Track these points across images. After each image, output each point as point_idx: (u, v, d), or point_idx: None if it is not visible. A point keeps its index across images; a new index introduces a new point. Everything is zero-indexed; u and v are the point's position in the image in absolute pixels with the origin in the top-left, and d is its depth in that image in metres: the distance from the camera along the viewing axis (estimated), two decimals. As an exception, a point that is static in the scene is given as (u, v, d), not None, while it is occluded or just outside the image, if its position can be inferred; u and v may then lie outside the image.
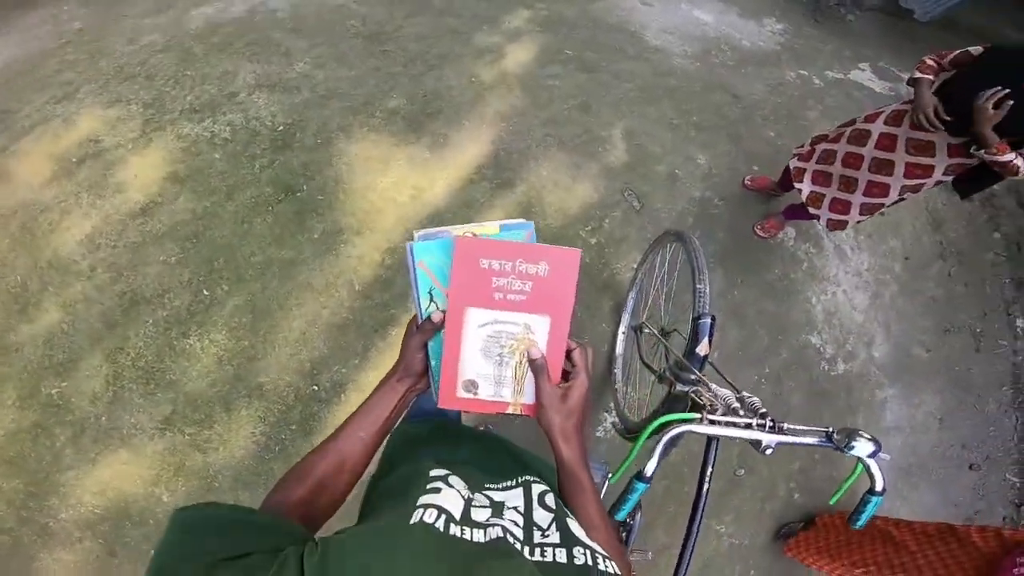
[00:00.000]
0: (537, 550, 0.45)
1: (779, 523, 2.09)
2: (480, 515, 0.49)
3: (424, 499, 0.48)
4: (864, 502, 0.92)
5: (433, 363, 0.62)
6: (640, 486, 0.88)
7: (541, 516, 0.52)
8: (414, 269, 0.59)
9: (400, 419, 0.66)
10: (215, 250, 2.03)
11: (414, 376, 0.63)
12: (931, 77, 1.61)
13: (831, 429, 0.92)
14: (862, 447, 0.88)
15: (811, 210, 2.04)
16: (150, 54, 2.60)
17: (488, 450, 0.76)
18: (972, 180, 1.71)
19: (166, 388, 1.85)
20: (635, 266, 2.15)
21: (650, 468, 0.89)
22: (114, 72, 2.52)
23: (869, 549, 1.71)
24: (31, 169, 2.21)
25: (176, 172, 2.18)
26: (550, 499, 0.55)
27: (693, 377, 1.18)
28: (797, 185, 2.06)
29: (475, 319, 0.59)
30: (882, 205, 1.84)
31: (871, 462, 0.89)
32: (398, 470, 0.66)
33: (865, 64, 3.35)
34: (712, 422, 0.93)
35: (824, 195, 1.98)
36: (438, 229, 0.60)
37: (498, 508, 0.53)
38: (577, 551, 0.45)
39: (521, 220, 0.61)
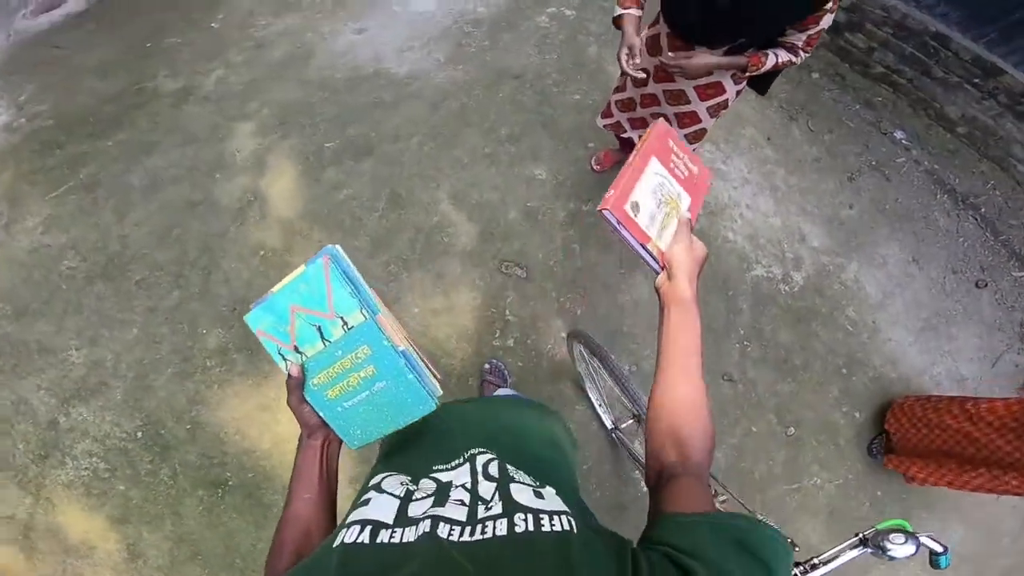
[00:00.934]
0: (478, 527, 0.43)
1: (863, 444, 2.02)
2: (419, 508, 0.48)
3: (352, 516, 0.48)
4: (936, 564, 0.86)
5: (323, 414, 0.63)
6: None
7: (485, 488, 0.51)
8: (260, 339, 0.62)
9: (334, 470, 0.66)
10: (223, 555, 1.85)
11: (316, 429, 0.64)
12: (636, 11, 1.34)
13: (860, 535, 0.86)
14: (900, 549, 0.80)
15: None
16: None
17: (445, 432, 0.73)
18: (761, 78, 1.53)
19: None
20: (564, 335, 1.96)
21: None
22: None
23: (967, 451, 1.63)
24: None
25: (112, 516, 1.86)
26: (493, 468, 0.55)
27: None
28: (623, 135, 1.85)
29: (654, 168, 0.73)
30: (704, 131, 1.66)
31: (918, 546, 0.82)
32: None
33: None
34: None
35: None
36: (265, 295, 0.62)
37: (443, 491, 0.52)
38: (518, 518, 0.43)
39: (321, 249, 0.61)
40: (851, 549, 0.86)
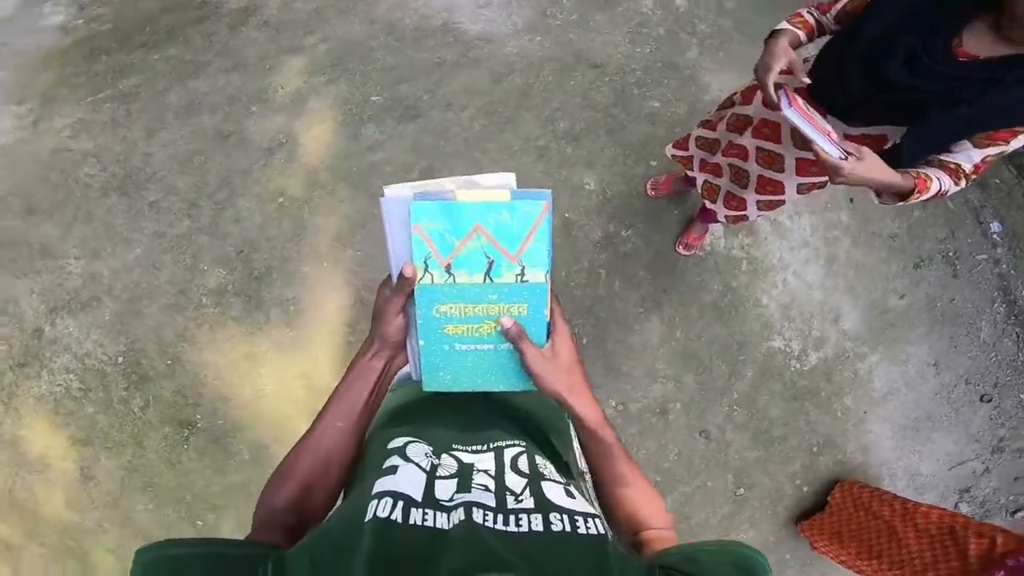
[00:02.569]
0: (512, 518, 0.43)
1: (796, 513, 2.04)
2: (445, 489, 0.47)
3: (380, 484, 0.44)
4: None
5: (423, 341, 0.56)
6: None
7: (514, 480, 0.50)
8: (408, 231, 0.52)
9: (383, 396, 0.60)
10: (175, 490, 1.86)
11: (391, 348, 0.57)
12: (802, 34, 1.10)
13: None
14: None
15: (707, 204, 1.63)
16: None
17: (464, 408, 0.69)
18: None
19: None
20: None
21: None
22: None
23: (876, 540, 1.74)
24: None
25: (74, 436, 1.87)
26: (523, 463, 0.54)
27: None
28: (689, 174, 1.65)
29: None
30: (782, 203, 1.45)
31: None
32: (369, 446, 0.60)
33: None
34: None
35: (719, 187, 1.56)
36: (427, 184, 0.52)
37: (466, 473, 0.51)
38: (554, 517, 0.43)
39: (537, 189, 0.52)
40: None
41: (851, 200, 2.23)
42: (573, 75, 2.28)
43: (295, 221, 1.98)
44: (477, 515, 0.43)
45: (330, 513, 0.48)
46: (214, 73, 2.20)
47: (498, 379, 0.59)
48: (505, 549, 0.39)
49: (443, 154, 2.10)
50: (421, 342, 0.56)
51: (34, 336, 1.89)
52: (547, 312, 0.55)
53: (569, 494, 0.48)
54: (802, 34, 1.10)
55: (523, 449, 0.56)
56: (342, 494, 0.59)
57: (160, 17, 2.37)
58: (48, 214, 1.98)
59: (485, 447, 0.57)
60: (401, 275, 0.52)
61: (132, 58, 2.25)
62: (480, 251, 0.53)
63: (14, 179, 2.05)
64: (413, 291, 0.54)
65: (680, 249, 2.03)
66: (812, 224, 2.18)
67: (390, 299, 0.55)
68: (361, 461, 0.59)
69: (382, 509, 0.41)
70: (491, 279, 0.54)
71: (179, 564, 0.40)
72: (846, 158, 0.87)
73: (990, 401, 2.17)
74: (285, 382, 1.88)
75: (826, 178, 1.24)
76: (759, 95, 1.27)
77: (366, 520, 0.40)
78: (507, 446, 0.57)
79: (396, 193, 0.53)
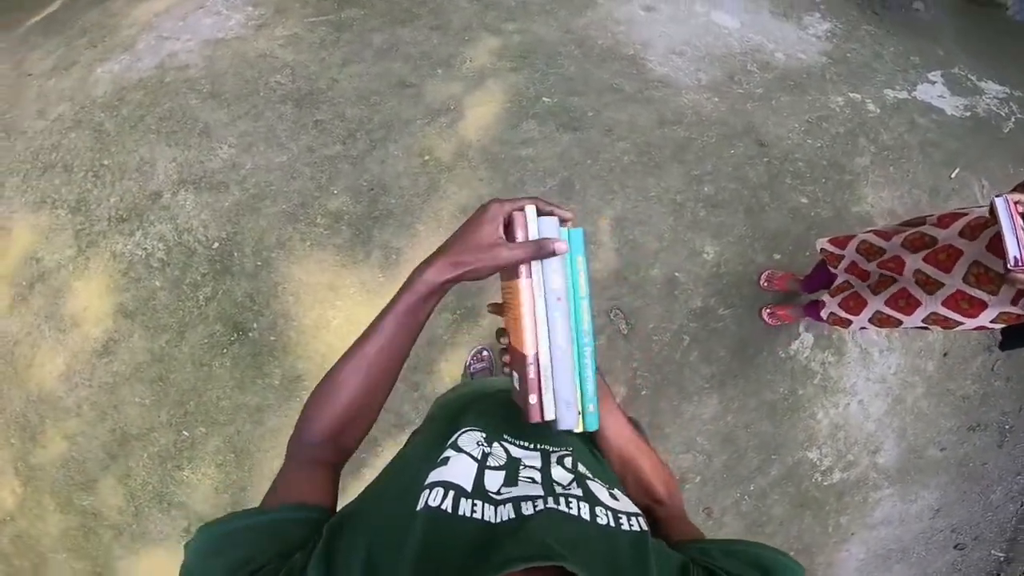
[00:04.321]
0: (562, 500, 0.44)
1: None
2: (493, 481, 0.47)
3: (434, 475, 0.46)
4: None
5: (594, 374, 0.54)
6: None
7: (560, 475, 0.50)
8: (571, 258, 0.52)
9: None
10: (183, 393, 1.93)
11: (460, 281, 0.52)
12: None
13: None
14: None
15: (825, 297, 1.67)
16: (62, 133, 2.22)
17: (510, 410, 0.67)
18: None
19: (178, 507, 1.92)
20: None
21: None
22: (31, 158, 2.19)
23: None
24: (-9, 292, 2.04)
25: (123, 305, 1.98)
26: (568, 462, 0.53)
27: None
28: (833, 270, 1.66)
29: None
30: (900, 323, 1.46)
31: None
32: (425, 434, 0.63)
33: (936, 72, 2.62)
34: None
35: (850, 286, 1.59)
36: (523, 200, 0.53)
37: (513, 467, 0.51)
38: (599, 511, 0.44)
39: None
40: None
41: (945, 355, 2.25)
42: (736, 145, 2.30)
43: (431, 181, 2.12)
44: (526, 508, 0.43)
45: (378, 491, 0.48)
46: (420, 27, 2.34)
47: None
48: (552, 527, 0.40)
49: (585, 173, 2.19)
50: (592, 374, 0.54)
51: (150, 198, 2.03)
52: None
53: (613, 496, 0.49)
54: None
55: (568, 452, 0.56)
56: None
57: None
58: (227, 102, 2.19)
59: (533, 446, 0.57)
60: (549, 242, 0.50)
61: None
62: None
63: (216, 66, 2.27)
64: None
65: (765, 315, 2.09)
66: (898, 364, 2.22)
67: (514, 248, 0.50)
68: (422, 439, 0.61)
69: (433, 498, 0.42)
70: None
71: (230, 540, 0.41)
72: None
73: (962, 550, 2.29)
74: (352, 323, 1.95)
75: (967, 322, 1.28)
76: (959, 224, 1.28)
77: (418, 509, 0.42)
78: (554, 450, 0.57)
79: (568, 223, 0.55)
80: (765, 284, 2.08)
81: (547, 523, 0.41)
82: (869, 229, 1.57)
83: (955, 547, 2.30)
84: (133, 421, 1.91)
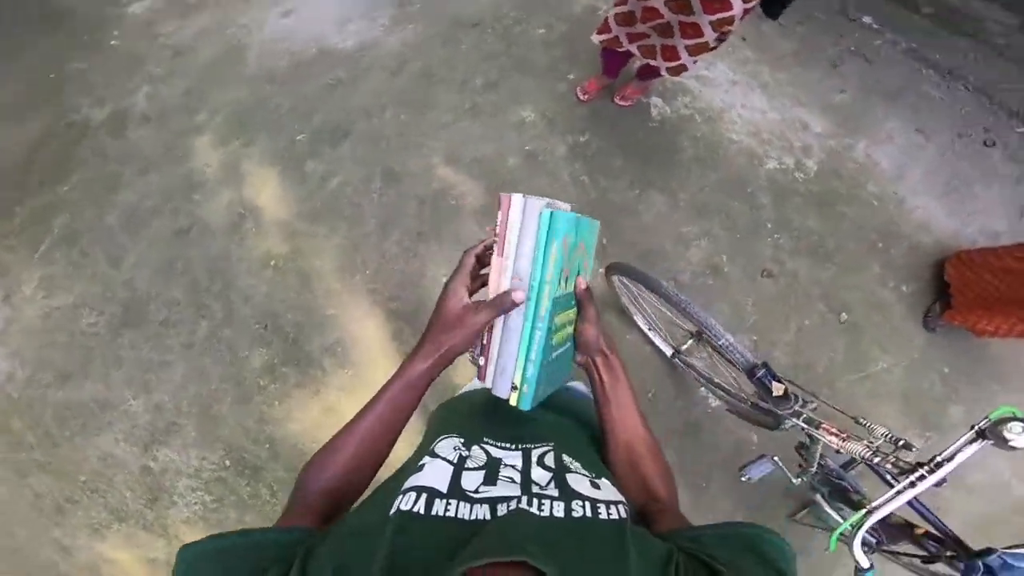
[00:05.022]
0: (535, 500, 0.44)
1: (918, 318, 1.99)
2: (471, 480, 0.48)
3: (409, 481, 0.46)
4: None
5: (540, 354, 0.54)
6: None
7: (539, 475, 0.51)
8: (544, 239, 0.51)
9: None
10: None
11: (450, 360, 0.56)
12: None
13: (976, 428, 0.86)
14: (1021, 439, 0.79)
15: (650, 63, 1.82)
16: None
17: (502, 410, 0.69)
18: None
19: None
20: (601, 271, 1.84)
21: (863, 561, 0.90)
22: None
23: (1020, 289, 1.63)
24: None
25: None
26: (550, 459, 0.54)
27: (795, 412, 1.19)
28: (620, 50, 1.82)
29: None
30: (707, 45, 1.63)
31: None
32: (418, 449, 0.63)
33: None
34: (900, 492, 0.91)
35: (654, 46, 1.75)
36: (542, 199, 0.52)
37: (493, 466, 0.51)
38: (576, 504, 0.44)
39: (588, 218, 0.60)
40: (969, 444, 0.86)
41: (744, 39, 2.43)
42: (459, 39, 2.40)
43: (296, 274, 2.03)
44: (502, 508, 0.43)
45: (359, 507, 0.49)
46: (131, 180, 2.20)
47: (557, 381, 0.61)
48: (520, 524, 0.41)
49: (389, 153, 2.17)
50: (538, 357, 0.54)
51: (144, 474, 1.91)
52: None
53: (595, 485, 0.49)
54: None
55: (550, 448, 0.56)
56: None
57: (35, 154, 2.30)
58: (82, 374, 1.97)
59: (514, 446, 0.58)
60: (507, 295, 0.53)
61: (43, 199, 2.22)
62: (580, 261, 0.57)
63: (31, 356, 2.03)
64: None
65: (618, 100, 2.21)
66: (728, 67, 2.38)
67: (479, 311, 0.53)
68: (402, 467, 0.60)
69: (406, 503, 0.43)
70: (566, 287, 0.57)
71: (222, 555, 0.42)
72: None
73: (994, 144, 2.29)
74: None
75: (732, 12, 1.46)
76: None
77: (390, 513, 0.42)
78: (535, 447, 0.57)
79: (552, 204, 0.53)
80: (585, 97, 2.21)
81: (516, 521, 0.41)
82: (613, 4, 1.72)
83: (985, 144, 2.26)
84: None
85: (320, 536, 0.42)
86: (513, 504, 0.43)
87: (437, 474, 0.47)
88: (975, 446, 0.86)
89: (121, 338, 1.99)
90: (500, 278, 0.54)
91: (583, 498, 0.45)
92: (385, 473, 0.56)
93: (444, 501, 0.43)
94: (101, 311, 2.03)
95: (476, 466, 0.50)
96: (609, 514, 0.43)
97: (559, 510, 0.43)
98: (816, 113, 2.33)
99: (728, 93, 2.34)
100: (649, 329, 1.88)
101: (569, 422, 0.72)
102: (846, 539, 0.94)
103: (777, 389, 1.22)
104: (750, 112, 2.31)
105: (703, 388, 1.82)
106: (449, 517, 0.42)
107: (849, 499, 1.40)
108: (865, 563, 0.90)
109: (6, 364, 2.01)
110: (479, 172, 2.16)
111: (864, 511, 0.93)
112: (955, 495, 1.75)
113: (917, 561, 1.24)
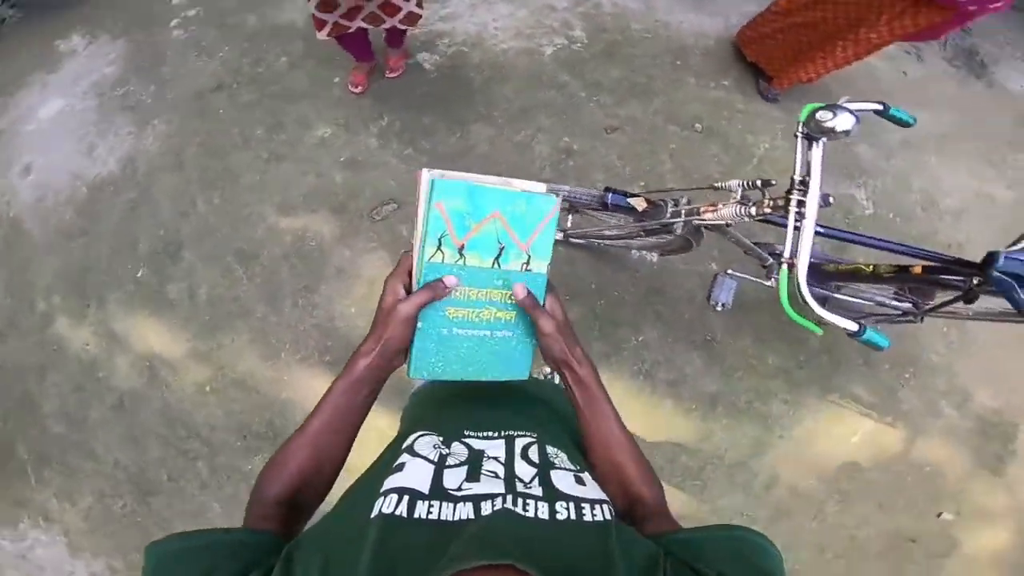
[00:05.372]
0: (519, 500, 0.44)
1: (755, 95, 2.34)
2: (454, 478, 0.48)
3: (388, 482, 0.46)
4: (891, 117, 0.97)
5: (421, 324, 0.55)
6: None
7: (523, 470, 0.51)
8: (427, 208, 0.52)
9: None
10: None
11: (393, 355, 0.56)
12: None
13: (798, 132, 0.92)
14: (837, 121, 0.85)
15: (385, 27, 1.94)
16: None
17: (478, 396, 0.72)
18: None
19: None
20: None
21: (826, 315, 0.88)
22: None
23: (821, 34, 1.89)
24: None
25: None
26: (534, 452, 0.54)
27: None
28: (348, 33, 1.91)
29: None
30: (418, 14, 1.86)
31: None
32: (390, 448, 0.60)
33: None
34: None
35: (373, 12, 1.85)
36: (459, 174, 0.53)
37: (476, 460, 0.52)
38: (560, 506, 0.44)
39: (539, 189, 0.56)
40: (808, 149, 0.90)
41: None
42: (214, 107, 2.39)
43: (234, 386, 2.11)
44: (485, 507, 0.43)
45: (337, 508, 0.48)
46: (40, 391, 2.18)
47: (489, 368, 0.59)
48: (506, 527, 0.41)
49: (229, 236, 2.23)
50: (420, 323, 0.54)
51: None
52: (543, 301, 0.58)
53: (579, 481, 0.49)
54: None
55: (534, 439, 0.56)
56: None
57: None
58: None
59: (497, 434, 0.58)
60: (440, 282, 0.53)
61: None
62: (494, 236, 0.54)
63: (106, 548, 2.14)
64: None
65: (389, 75, 2.35)
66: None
67: (408, 302, 0.53)
68: (377, 461, 0.58)
69: (387, 506, 0.42)
70: (499, 265, 0.55)
71: (193, 554, 0.41)
72: None
73: None
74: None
75: None
76: None
77: (372, 516, 0.41)
78: (519, 435, 0.57)
79: (443, 175, 0.52)
80: (360, 90, 2.31)
81: (502, 523, 0.41)
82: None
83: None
84: None
85: (296, 541, 0.42)
86: (498, 502, 0.43)
87: (418, 474, 0.47)
88: (815, 149, 0.91)
89: (153, 504, 2.11)
90: (414, 259, 0.55)
91: (567, 498, 0.46)
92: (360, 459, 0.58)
93: (427, 503, 0.43)
94: (119, 494, 2.13)
95: (457, 463, 0.50)
96: (594, 515, 0.44)
97: (543, 511, 0.43)
98: (527, 4, 2.53)
99: (476, 15, 2.55)
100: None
101: (546, 410, 0.73)
102: (801, 308, 0.90)
103: (637, 203, 1.26)
104: (503, 20, 2.54)
105: (615, 249, 2.03)
106: (432, 519, 0.42)
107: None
108: (827, 316, 0.86)
109: (97, 565, 2.12)
110: (316, 204, 2.27)
111: (782, 265, 0.91)
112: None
113: (962, 305, 1.18)
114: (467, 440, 0.56)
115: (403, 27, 1.96)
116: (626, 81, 2.42)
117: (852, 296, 1.61)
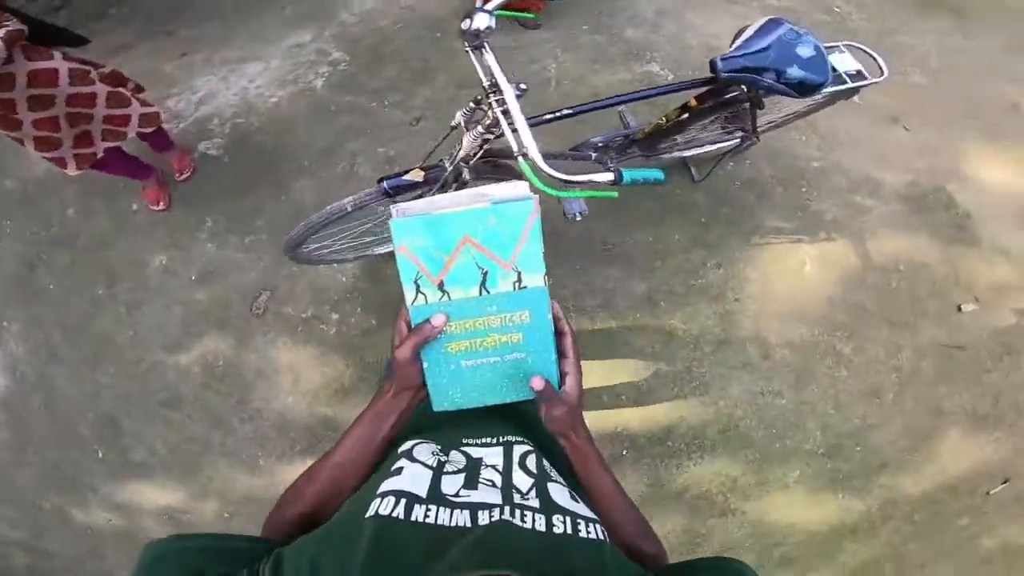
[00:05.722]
0: (517, 512, 0.44)
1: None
2: (451, 484, 0.48)
3: (385, 485, 0.46)
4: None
5: (427, 364, 0.56)
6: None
7: (521, 479, 0.51)
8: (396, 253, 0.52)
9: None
10: None
11: (412, 390, 0.57)
12: None
13: (467, 46, 1.07)
14: None
15: (129, 136, 1.75)
16: None
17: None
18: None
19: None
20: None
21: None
22: None
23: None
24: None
25: None
26: (531, 462, 0.54)
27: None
28: (98, 157, 1.75)
29: None
30: (156, 115, 1.74)
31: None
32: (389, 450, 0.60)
33: None
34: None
35: (90, 132, 1.69)
36: (422, 203, 0.52)
37: (474, 468, 0.52)
38: (556, 519, 0.44)
39: (516, 193, 0.52)
40: (475, 56, 1.05)
41: None
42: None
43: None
44: (482, 517, 0.43)
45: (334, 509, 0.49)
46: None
47: (506, 391, 0.57)
48: (505, 540, 0.40)
49: (135, 420, 2.28)
50: (425, 364, 0.55)
51: None
52: (551, 316, 0.55)
53: (574, 498, 0.49)
54: None
55: (531, 449, 0.56)
56: None
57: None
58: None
59: (495, 440, 0.57)
60: (428, 323, 0.52)
61: None
62: (472, 263, 0.52)
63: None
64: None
65: (178, 179, 2.20)
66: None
67: (407, 342, 0.53)
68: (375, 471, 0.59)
69: (384, 507, 0.42)
70: (487, 291, 0.53)
71: (185, 555, 0.41)
72: None
73: None
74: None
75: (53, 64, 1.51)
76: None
77: (366, 516, 0.41)
78: (516, 442, 0.57)
79: (406, 210, 0.51)
80: (162, 206, 2.17)
81: (500, 534, 0.41)
82: None
83: None
84: None
85: (290, 544, 0.42)
86: (495, 513, 0.44)
87: (415, 478, 0.47)
88: (486, 54, 1.04)
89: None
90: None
91: (564, 512, 0.46)
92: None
93: (424, 507, 0.43)
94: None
95: (455, 469, 0.51)
96: (588, 532, 0.44)
97: (540, 523, 0.44)
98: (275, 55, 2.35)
99: (230, 85, 2.37)
100: (378, 245, 1.98)
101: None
102: (567, 205, 1.16)
103: (415, 176, 1.30)
104: (260, 77, 2.40)
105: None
106: (429, 523, 0.42)
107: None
108: (573, 178, 0.91)
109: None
110: (198, 329, 2.25)
111: (517, 158, 0.97)
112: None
113: (791, 108, 1.55)
114: (465, 448, 0.56)
115: (148, 129, 1.72)
116: (405, 72, 2.35)
117: (684, 150, 1.80)
